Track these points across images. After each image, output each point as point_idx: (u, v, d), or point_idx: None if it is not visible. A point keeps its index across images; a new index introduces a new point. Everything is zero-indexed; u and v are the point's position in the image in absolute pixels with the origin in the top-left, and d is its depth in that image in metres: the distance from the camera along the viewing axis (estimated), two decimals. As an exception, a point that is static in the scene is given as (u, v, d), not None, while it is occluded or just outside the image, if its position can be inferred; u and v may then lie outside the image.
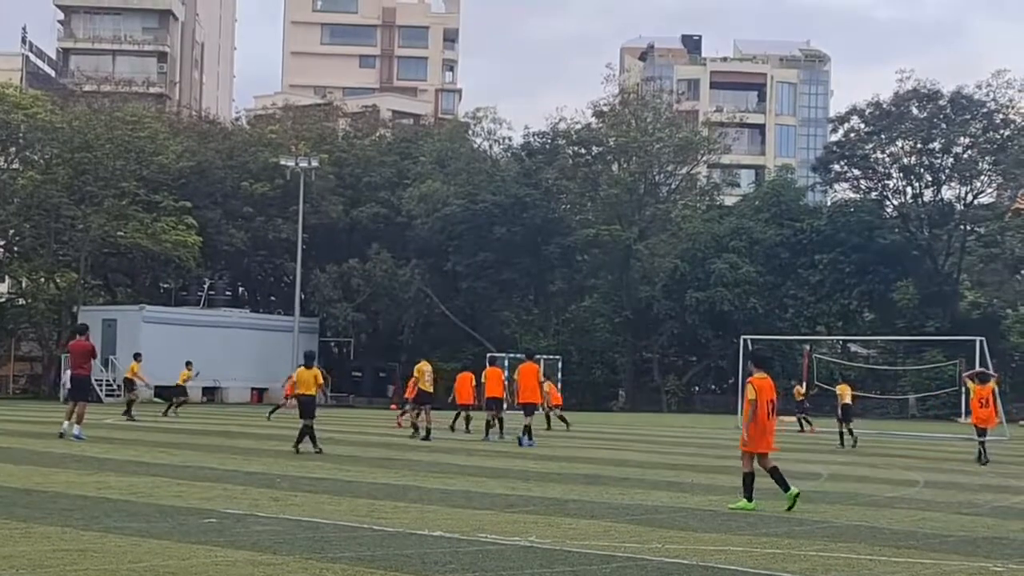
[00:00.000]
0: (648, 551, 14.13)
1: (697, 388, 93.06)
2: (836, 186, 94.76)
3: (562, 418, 48.92)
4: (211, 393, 78.18)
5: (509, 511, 18.03)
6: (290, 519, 16.29)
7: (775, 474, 19.31)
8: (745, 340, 59.47)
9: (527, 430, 35.44)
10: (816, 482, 25.61)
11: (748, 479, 19.41)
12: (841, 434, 41.77)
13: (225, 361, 75.62)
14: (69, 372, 38.51)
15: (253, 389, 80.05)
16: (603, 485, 22.90)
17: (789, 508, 19.05)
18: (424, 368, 38.31)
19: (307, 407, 30.32)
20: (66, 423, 32.74)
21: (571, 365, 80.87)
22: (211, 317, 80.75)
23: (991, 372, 39.03)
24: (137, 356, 51.11)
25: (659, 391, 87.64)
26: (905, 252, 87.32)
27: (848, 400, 42.83)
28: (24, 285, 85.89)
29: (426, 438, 36.56)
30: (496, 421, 38.12)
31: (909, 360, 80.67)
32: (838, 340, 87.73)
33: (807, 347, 74.36)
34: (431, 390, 38.14)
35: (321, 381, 30.86)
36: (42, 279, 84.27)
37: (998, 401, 36.46)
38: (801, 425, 53.34)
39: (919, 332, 77.34)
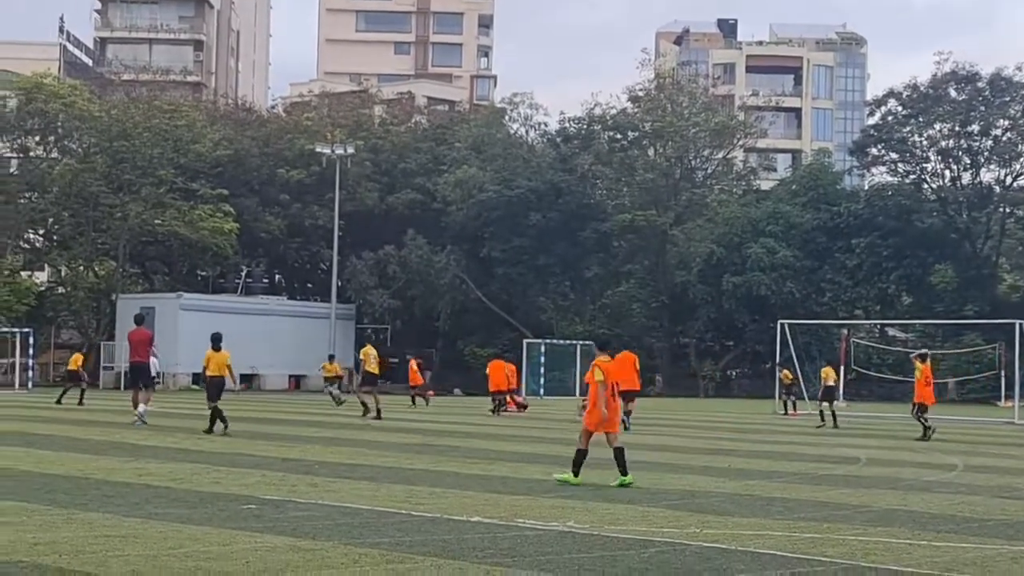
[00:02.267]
0: (686, 536, 14.14)
1: (734, 373, 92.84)
2: (873, 170, 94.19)
3: (415, 397, 54.02)
4: (248, 380, 78.45)
5: (547, 496, 18.07)
6: (329, 505, 16.36)
7: (620, 455, 19.83)
8: (782, 325, 59.35)
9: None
10: (855, 466, 25.57)
11: (582, 456, 19.88)
12: (821, 412, 44.13)
13: (263, 348, 75.93)
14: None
15: (290, 376, 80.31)
16: (640, 470, 22.86)
17: (618, 485, 19.53)
18: (369, 352, 41.46)
19: (216, 389, 30.72)
20: (139, 408, 33.34)
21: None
22: (249, 304, 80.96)
23: (928, 352, 41.59)
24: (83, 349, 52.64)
25: (696, 376, 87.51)
26: (943, 235, 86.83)
27: (831, 383, 45.21)
28: (63, 274, 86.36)
29: (377, 416, 39.22)
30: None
31: (948, 344, 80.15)
32: (876, 324, 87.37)
33: (845, 331, 74.10)
34: (376, 372, 41.50)
35: (229, 363, 31.23)
36: (81, 267, 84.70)
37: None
38: (786, 408, 54.02)
39: (958, 316, 76.97)
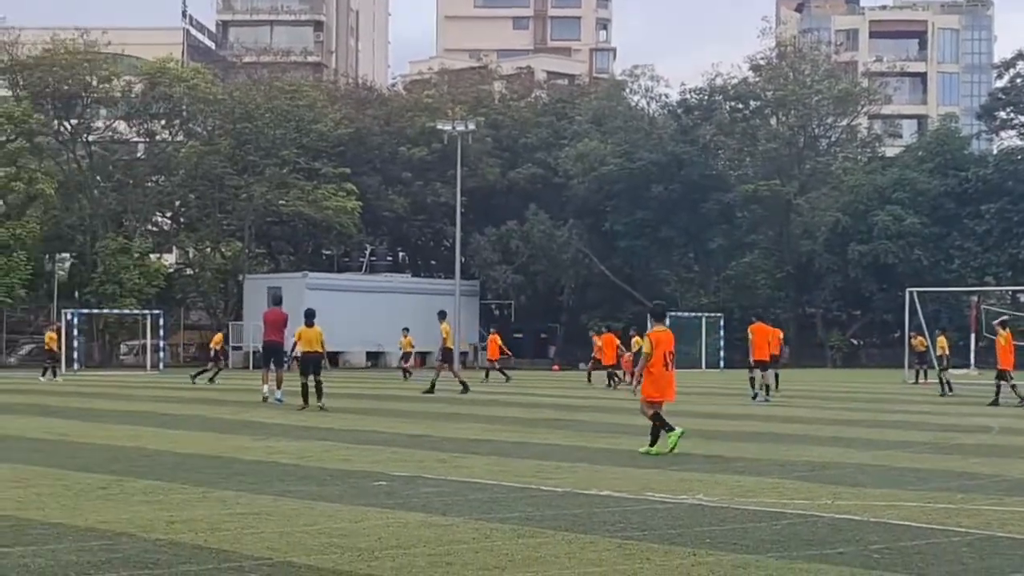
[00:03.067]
0: (818, 507, 14.02)
1: (861, 342, 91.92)
2: (1002, 133, 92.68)
3: (502, 371, 54.31)
4: (375, 358, 79.08)
5: (675, 469, 18.00)
6: (458, 480, 16.44)
7: (658, 418, 20.26)
8: (910, 293, 58.65)
9: (756, 384, 37.79)
10: (987, 435, 25.22)
11: (656, 425, 20.27)
12: (943, 382, 44.48)
13: (387, 326, 76.37)
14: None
15: (416, 353, 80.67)
16: (769, 442, 22.76)
17: (671, 449, 19.83)
18: (449, 329, 42.03)
19: (312, 364, 31.30)
20: (266, 387, 33.89)
21: (733, 322, 80.00)
22: (373, 282, 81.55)
23: (1009, 318, 43.19)
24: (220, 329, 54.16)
25: (823, 346, 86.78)
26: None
27: (947, 351, 47.39)
28: (191, 255, 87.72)
29: (465, 390, 39.99)
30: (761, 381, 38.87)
31: (1081, 309, 78.80)
32: (1007, 291, 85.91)
33: (975, 298, 73.01)
34: (452, 347, 43.07)
35: (323, 339, 31.92)
36: (208, 249, 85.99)
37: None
38: (916, 376, 53.55)
39: (1092, 281, 75.52)
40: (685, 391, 41.75)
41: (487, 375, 54.80)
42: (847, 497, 14.97)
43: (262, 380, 34.73)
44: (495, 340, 57.59)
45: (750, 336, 39.29)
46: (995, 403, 35.70)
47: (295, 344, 31.63)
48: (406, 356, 57.51)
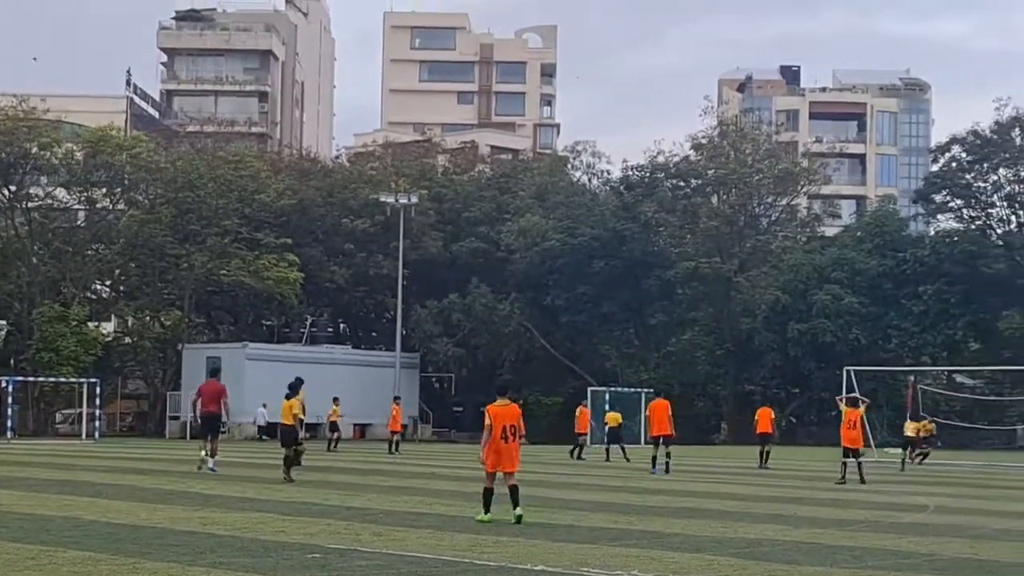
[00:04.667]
0: (752, 585, 14.02)
1: (800, 420, 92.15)
2: (939, 216, 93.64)
3: (396, 444, 55.22)
4: (314, 429, 78.47)
5: (611, 544, 17.98)
6: (393, 554, 16.34)
7: (513, 492, 20.82)
8: (848, 371, 58.93)
9: (655, 460, 39.14)
10: (923, 514, 25.32)
11: (488, 494, 21.06)
12: (904, 460, 47.98)
13: (327, 398, 75.98)
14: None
15: (355, 425, 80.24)
16: (705, 518, 22.75)
17: (515, 521, 20.35)
18: (294, 405, 40.37)
19: (287, 436, 32.21)
20: (203, 452, 34.47)
21: (672, 398, 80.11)
22: (313, 354, 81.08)
23: (861, 398, 43.57)
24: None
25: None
26: (1011, 281, 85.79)
27: (911, 433, 51.75)
28: (130, 324, 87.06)
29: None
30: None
31: (1017, 390, 79.36)
32: (943, 371, 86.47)
33: (911, 378, 73.41)
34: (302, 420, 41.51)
35: (300, 412, 32.36)
36: (147, 318, 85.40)
37: (866, 426, 41.58)
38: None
39: (1027, 362, 76.06)
40: (623, 467, 41.77)
41: (391, 447, 54.86)
42: (781, 574, 14.98)
43: (200, 448, 34.96)
44: (399, 411, 57.51)
45: (649, 413, 40.58)
46: (843, 479, 35.94)
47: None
48: (333, 426, 57.65)
